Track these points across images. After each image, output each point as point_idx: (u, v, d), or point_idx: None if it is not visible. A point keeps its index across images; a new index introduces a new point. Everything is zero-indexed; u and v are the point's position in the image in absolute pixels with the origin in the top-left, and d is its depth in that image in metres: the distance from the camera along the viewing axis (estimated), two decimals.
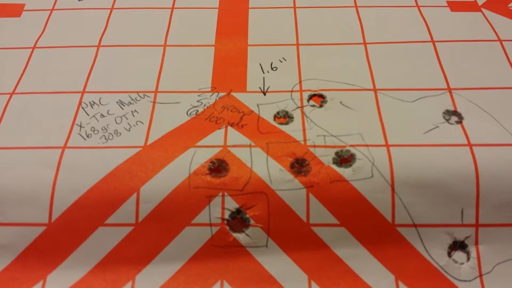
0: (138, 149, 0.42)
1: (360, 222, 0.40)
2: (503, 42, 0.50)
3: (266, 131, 0.43)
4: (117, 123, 0.44)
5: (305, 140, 0.42)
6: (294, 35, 0.52)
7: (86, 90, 0.47)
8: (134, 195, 0.40)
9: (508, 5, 0.55)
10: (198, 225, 0.40)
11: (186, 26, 0.54)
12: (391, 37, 0.52)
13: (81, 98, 0.46)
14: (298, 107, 0.45)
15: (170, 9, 0.56)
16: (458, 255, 0.41)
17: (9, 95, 0.47)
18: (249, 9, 0.56)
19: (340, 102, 0.45)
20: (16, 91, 0.47)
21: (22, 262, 0.40)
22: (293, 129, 0.43)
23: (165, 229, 0.40)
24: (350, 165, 0.41)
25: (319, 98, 0.46)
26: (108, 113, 0.45)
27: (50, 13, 0.56)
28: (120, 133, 0.43)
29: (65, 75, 0.48)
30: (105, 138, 0.43)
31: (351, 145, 0.41)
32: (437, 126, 0.43)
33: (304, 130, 0.43)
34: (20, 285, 0.40)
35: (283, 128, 0.43)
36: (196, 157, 0.41)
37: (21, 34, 0.53)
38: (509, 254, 0.41)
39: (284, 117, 0.44)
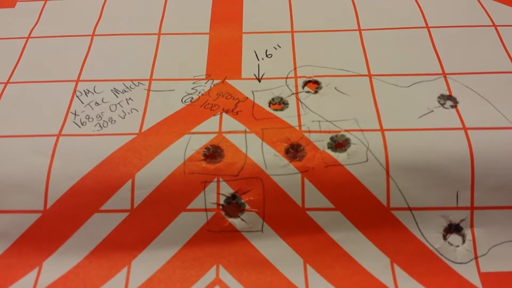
0: (132, 136, 0.42)
1: (355, 206, 0.40)
2: (497, 27, 0.50)
3: (261, 117, 0.43)
4: (111, 110, 0.44)
5: (300, 125, 0.42)
6: (289, 22, 0.52)
7: (81, 78, 0.47)
8: (129, 182, 0.40)
9: None
10: (193, 211, 0.40)
11: (180, 14, 0.54)
12: (385, 23, 0.51)
13: (75, 87, 0.46)
14: (293, 94, 0.45)
15: None
16: (454, 237, 0.41)
17: (4, 84, 0.47)
18: None
19: (335, 88, 0.45)
20: (11, 81, 0.47)
21: (18, 249, 0.40)
22: (288, 115, 0.43)
23: (161, 214, 0.40)
24: (345, 150, 0.41)
25: (314, 84, 0.46)
26: (102, 101, 0.45)
27: (44, 3, 0.55)
28: (115, 121, 0.43)
29: (59, 64, 0.48)
30: (100, 126, 0.43)
31: (346, 130, 0.41)
32: (432, 111, 0.43)
33: (299, 116, 0.43)
34: (15, 272, 0.40)
35: (278, 114, 0.43)
36: (191, 144, 0.41)
37: (16, 24, 0.53)
38: (504, 236, 0.41)
39: (279, 103, 0.44)
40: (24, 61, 0.49)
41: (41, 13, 0.54)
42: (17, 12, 0.55)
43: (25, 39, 0.51)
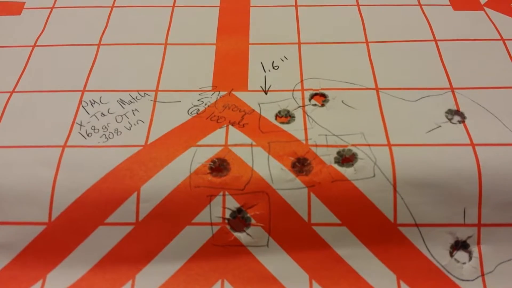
0: (138, 148, 0.42)
1: (361, 222, 0.40)
2: (505, 41, 0.50)
3: (268, 130, 0.43)
4: (117, 122, 0.44)
5: (306, 139, 0.42)
6: (295, 33, 0.52)
7: (87, 88, 0.47)
8: (135, 194, 0.40)
9: (511, 4, 0.54)
10: (198, 224, 0.40)
11: (187, 24, 0.53)
12: (393, 36, 0.51)
13: (81, 97, 0.46)
14: (299, 106, 0.45)
15: (171, 7, 0.55)
16: (460, 254, 0.40)
17: (9, 94, 0.46)
18: (251, 8, 0.55)
19: (342, 101, 0.45)
20: (16, 90, 0.47)
21: (22, 261, 0.40)
22: (294, 128, 0.43)
23: (166, 228, 0.40)
24: (352, 165, 0.40)
25: (320, 97, 0.46)
26: (108, 112, 0.45)
27: (51, 11, 0.55)
28: (121, 132, 0.43)
29: (65, 74, 0.48)
30: (106, 137, 0.43)
31: (353, 145, 0.41)
32: (440, 126, 0.43)
33: (305, 129, 0.43)
34: (19, 284, 0.39)
35: (284, 127, 0.43)
36: (197, 156, 0.41)
37: (22, 33, 0.53)
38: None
39: (286, 116, 0.44)
40: (29, 70, 0.49)
41: (47, 21, 0.54)
42: (23, 20, 0.55)
43: (31, 48, 0.51)
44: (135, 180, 0.40)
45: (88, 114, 0.45)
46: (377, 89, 0.46)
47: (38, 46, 0.51)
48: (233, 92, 0.46)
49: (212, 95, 0.46)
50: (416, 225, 0.40)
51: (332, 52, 0.50)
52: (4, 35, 0.52)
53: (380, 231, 0.40)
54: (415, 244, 0.40)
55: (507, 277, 0.40)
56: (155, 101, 0.45)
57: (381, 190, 0.40)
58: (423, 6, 0.55)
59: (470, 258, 0.40)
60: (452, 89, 0.46)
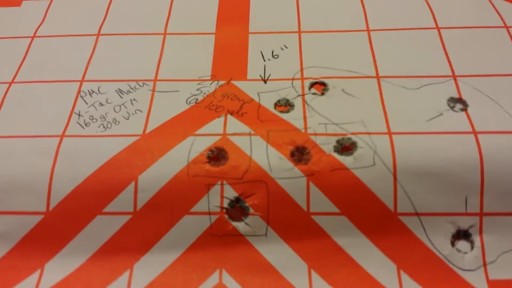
0: (136, 138, 0.41)
1: (361, 211, 0.40)
2: (509, 29, 0.49)
3: (267, 119, 0.42)
4: (115, 111, 0.44)
5: (306, 128, 0.41)
6: (296, 22, 0.52)
7: (85, 78, 0.47)
8: (132, 184, 0.40)
9: None
10: (197, 214, 0.40)
11: (186, 14, 0.53)
12: (394, 23, 0.51)
13: (80, 87, 0.46)
14: (299, 95, 0.44)
15: None
16: (462, 244, 0.40)
17: (8, 84, 0.46)
18: None
19: (342, 89, 0.45)
20: (15, 80, 0.47)
21: (20, 251, 0.40)
22: (294, 117, 0.43)
23: (164, 218, 0.40)
24: (352, 153, 0.40)
25: (320, 86, 0.45)
26: (107, 101, 0.45)
27: (50, 2, 0.55)
28: (119, 122, 0.43)
29: (64, 64, 0.48)
30: (104, 127, 0.43)
31: (352, 133, 0.41)
32: (441, 114, 0.42)
33: (305, 118, 0.42)
34: (17, 274, 0.39)
35: (283, 116, 0.43)
36: (195, 146, 0.41)
37: (21, 23, 0.53)
38: None
39: (285, 105, 0.44)
40: (29, 60, 0.49)
41: (46, 12, 0.54)
42: (22, 11, 0.55)
43: (30, 38, 0.51)
44: (133, 170, 0.40)
45: (87, 104, 0.44)
46: (378, 77, 0.45)
47: (37, 37, 0.51)
48: (232, 81, 0.46)
49: (211, 84, 0.46)
50: (417, 214, 0.40)
51: (333, 41, 0.49)
52: (4, 26, 0.53)
53: (380, 221, 0.40)
54: (415, 233, 0.40)
55: (510, 267, 0.39)
56: (153, 90, 0.45)
57: (381, 179, 0.39)
58: None
59: (472, 248, 0.40)
60: (454, 77, 0.45)
